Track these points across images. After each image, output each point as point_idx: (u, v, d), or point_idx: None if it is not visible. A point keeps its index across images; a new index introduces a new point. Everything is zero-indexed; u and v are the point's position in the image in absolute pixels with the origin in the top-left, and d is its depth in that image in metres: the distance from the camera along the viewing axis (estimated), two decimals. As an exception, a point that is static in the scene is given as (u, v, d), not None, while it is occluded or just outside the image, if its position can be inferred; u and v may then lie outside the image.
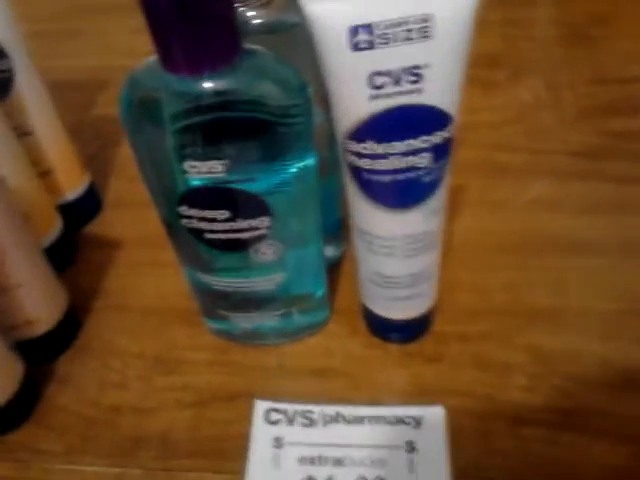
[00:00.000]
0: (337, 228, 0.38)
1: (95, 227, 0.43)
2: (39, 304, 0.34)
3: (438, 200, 0.28)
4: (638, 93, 0.48)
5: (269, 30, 0.28)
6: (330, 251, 0.38)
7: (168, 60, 0.24)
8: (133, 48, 0.59)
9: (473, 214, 0.41)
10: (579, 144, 0.45)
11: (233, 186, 0.26)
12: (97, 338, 0.37)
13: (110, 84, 0.55)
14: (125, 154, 0.48)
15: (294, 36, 0.28)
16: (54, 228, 0.39)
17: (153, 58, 0.25)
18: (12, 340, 0.33)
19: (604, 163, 0.43)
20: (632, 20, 0.55)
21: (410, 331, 0.35)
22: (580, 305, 0.36)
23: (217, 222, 0.28)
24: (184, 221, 0.28)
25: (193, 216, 0.28)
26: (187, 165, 0.25)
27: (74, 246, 0.41)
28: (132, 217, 0.44)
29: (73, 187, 0.41)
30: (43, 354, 0.35)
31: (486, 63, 0.53)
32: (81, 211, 0.42)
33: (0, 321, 0.32)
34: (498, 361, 0.34)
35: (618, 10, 0.56)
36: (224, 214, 0.27)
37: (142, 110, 0.26)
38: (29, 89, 0.36)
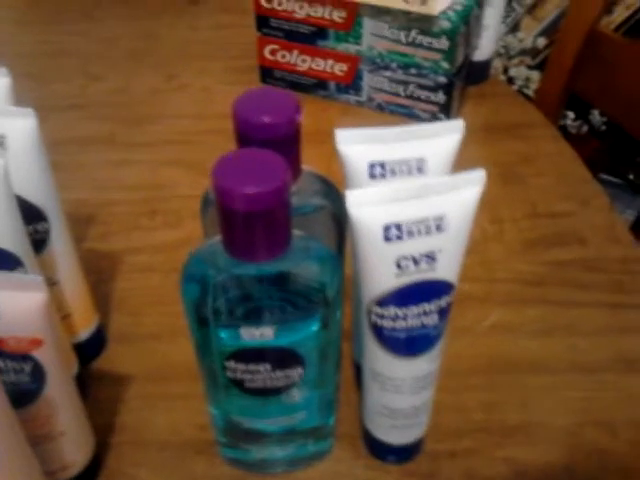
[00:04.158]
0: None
1: (102, 363, 0.46)
2: (76, 449, 0.36)
3: (440, 347, 0.34)
4: (565, 227, 0.57)
5: (298, 213, 0.33)
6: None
7: (233, 249, 0.29)
8: (115, 182, 0.63)
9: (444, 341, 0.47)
10: (527, 273, 0.52)
11: (276, 344, 0.31)
12: (118, 474, 0.40)
13: (97, 218, 0.58)
14: (121, 288, 0.52)
15: (317, 215, 0.35)
16: (73, 368, 0.42)
17: (216, 240, 0.30)
18: (49, 485, 0.35)
19: (549, 289, 0.51)
20: (549, 159, 0.65)
21: (408, 453, 0.40)
22: (544, 420, 0.43)
23: (259, 374, 0.32)
24: (228, 373, 0.33)
25: (238, 369, 0.32)
26: (243, 330, 0.30)
27: (85, 383, 0.44)
28: (137, 351, 0.47)
29: (86, 327, 0.44)
30: (72, 495, 0.38)
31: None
32: (90, 348, 0.45)
33: (42, 469, 0.34)
34: (484, 475, 0.40)
35: (538, 150, 0.66)
36: (266, 367, 0.32)
37: (202, 285, 0.31)
38: (60, 246, 0.39)
